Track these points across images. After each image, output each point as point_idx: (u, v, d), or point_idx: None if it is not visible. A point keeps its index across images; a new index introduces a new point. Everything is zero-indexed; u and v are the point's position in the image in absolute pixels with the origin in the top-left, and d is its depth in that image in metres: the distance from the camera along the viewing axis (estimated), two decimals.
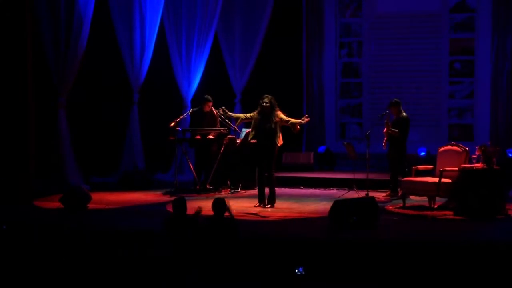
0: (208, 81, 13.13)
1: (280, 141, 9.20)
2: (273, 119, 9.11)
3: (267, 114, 9.12)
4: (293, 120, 9.18)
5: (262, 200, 9.25)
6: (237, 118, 9.65)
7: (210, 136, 10.79)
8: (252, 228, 7.54)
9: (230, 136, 11.08)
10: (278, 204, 9.52)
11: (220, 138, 10.86)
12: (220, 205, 6.47)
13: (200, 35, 12.85)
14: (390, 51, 13.71)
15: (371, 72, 13.89)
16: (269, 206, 9.19)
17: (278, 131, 9.14)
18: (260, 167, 9.30)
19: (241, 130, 11.23)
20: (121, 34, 12.51)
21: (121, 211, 9.02)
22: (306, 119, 9.12)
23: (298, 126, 9.16)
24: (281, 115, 9.19)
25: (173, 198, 6.64)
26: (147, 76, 12.65)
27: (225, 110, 10.16)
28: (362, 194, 10.04)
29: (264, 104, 9.10)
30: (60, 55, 11.43)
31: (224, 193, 10.68)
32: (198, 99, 11.19)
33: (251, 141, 9.33)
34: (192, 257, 6.11)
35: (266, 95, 9.20)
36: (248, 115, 9.54)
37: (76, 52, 11.33)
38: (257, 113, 9.25)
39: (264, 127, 9.11)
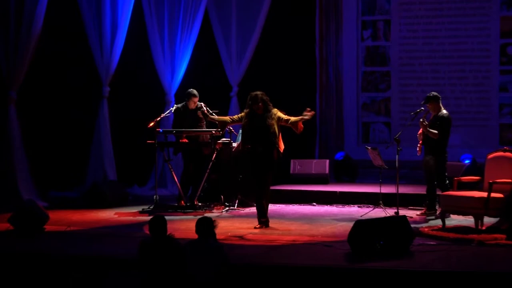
0: (196, 70, 13.12)
1: (280, 146, 9.18)
2: (268, 120, 9.11)
3: (259, 115, 9.14)
4: (293, 118, 9.16)
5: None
6: (223, 122, 9.64)
7: (204, 139, 10.83)
8: (251, 255, 7.51)
9: (224, 139, 11.06)
10: (285, 225, 9.53)
11: (211, 142, 10.84)
12: (205, 226, 6.46)
13: (186, 14, 12.87)
14: (425, 32, 13.68)
15: (401, 58, 13.87)
16: (259, 226, 9.21)
17: (276, 133, 9.15)
18: (255, 179, 9.29)
19: (238, 132, 11.20)
20: (86, 11, 12.51)
21: (86, 234, 8.98)
22: (309, 113, 9.08)
23: (301, 124, 9.15)
24: (278, 113, 9.18)
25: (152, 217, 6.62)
26: (120, 64, 12.64)
27: (207, 111, 10.16)
28: (390, 212, 10.02)
29: (255, 108, 9.09)
30: (9, 36, 11.41)
31: (216, 211, 10.65)
32: (184, 93, 11.18)
33: (246, 146, 9.29)
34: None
35: (255, 95, 9.16)
36: (236, 116, 9.53)
37: (30, 33, 11.31)
38: (245, 114, 9.24)
39: (258, 129, 9.11)
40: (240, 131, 10.83)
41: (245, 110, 9.35)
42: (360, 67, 14.09)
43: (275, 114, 9.15)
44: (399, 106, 13.85)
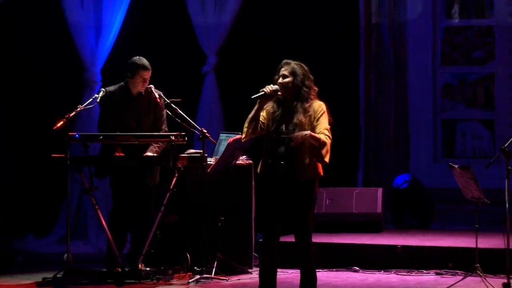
0: (142, 30, 13.43)
1: (319, 167, 9.17)
2: (299, 115, 8.98)
3: (289, 104, 9.06)
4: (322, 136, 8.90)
5: None
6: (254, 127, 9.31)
7: (149, 153, 10.87)
8: None
9: (190, 151, 11.14)
10: None
11: (168, 156, 10.77)
12: None
13: None
14: None
15: None
16: None
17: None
18: (272, 227, 9.16)
19: (217, 139, 11.35)
20: None
21: None
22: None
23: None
24: (320, 109, 8.96)
25: None
26: (1, 19, 12.85)
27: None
28: (495, 284, 10.04)
29: (282, 86, 8.92)
30: None
31: (178, 282, 10.66)
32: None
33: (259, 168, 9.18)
34: None
35: (286, 61, 9.09)
36: (263, 114, 9.20)
37: None
38: (274, 103, 9.09)
39: (282, 130, 9.03)
40: (221, 135, 10.87)
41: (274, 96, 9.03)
42: (438, 20, 14.24)
43: (316, 111, 8.96)
44: (510, 90, 13.84)
